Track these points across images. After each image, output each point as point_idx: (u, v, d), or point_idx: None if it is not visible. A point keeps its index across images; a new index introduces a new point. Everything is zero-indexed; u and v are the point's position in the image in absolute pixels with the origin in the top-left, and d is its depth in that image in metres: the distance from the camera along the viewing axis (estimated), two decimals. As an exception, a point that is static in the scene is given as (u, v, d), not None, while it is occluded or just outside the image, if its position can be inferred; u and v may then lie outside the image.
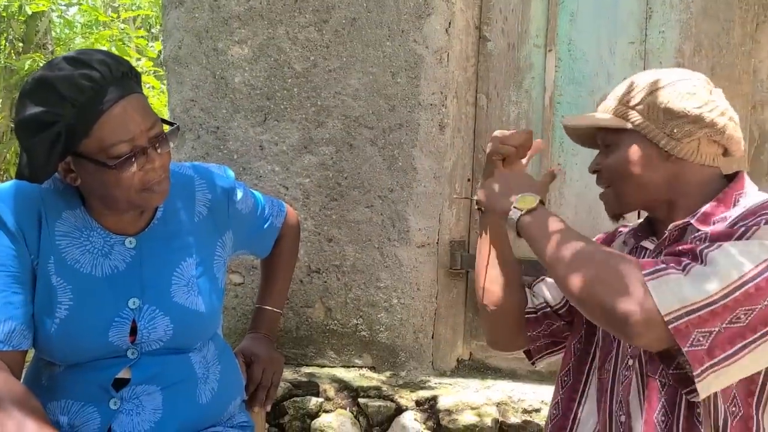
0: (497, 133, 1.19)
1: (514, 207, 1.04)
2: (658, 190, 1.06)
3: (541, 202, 1.05)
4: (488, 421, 1.61)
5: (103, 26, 4.85)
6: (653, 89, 1.04)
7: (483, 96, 1.91)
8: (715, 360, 0.85)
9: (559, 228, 0.98)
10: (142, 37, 4.16)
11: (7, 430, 1.00)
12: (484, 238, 1.26)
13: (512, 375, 1.88)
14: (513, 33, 1.89)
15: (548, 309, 1.22)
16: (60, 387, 1.16)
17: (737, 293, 0.85)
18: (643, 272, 0.88)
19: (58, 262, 1.15)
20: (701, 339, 0.85)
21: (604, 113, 1.10)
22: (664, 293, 0.85)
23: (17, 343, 1.10)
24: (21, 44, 4.03)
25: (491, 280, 1.24)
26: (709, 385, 0.86)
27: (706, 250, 0.89)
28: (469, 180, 1.93)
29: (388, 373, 1.83)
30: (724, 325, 0.85)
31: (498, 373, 1.90)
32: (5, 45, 3.86)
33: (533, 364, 1.27)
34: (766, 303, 0.84)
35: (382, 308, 1.85)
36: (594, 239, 1.23)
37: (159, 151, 1.11)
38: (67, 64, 1.07)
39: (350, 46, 1.84)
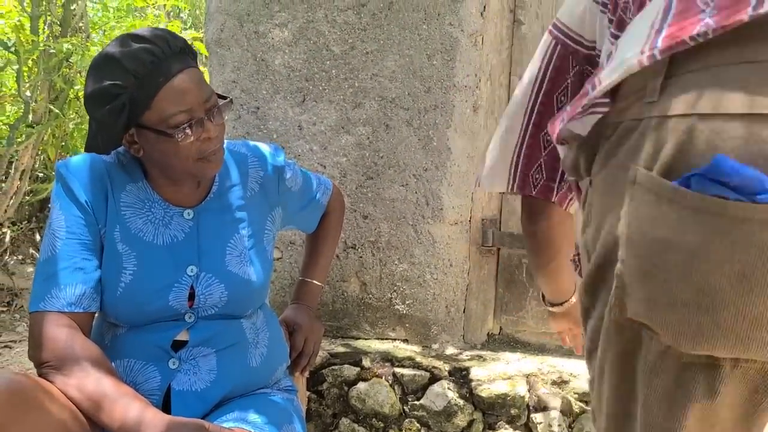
0: None
1: None
2: None
3: None
4: (519, 391, 1.67)
5: (136, 11, 4.94)
6: None
7: (516, 79, 1.96)
8: None
9: None
10: (178, 28, 4.24)
11: (86, 388, 1.09)
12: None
13: (541, 349, 1.94)
14: (547, 17, 1.93)
15: None
16: (122, 347, 1.25)
17: None
18: None
19: (124, 231, 1.24)
20: None
21: None
22: None
23: (87, 306, 1.19)
24: (59, 28, 4.12)
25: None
26: None
27: None
28: (501, 160, 1.99)
29: (420, 346, 1.90)
30: None
31: (527, 347, 1.96)
32: (44, 29, 3.94)
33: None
34: None
35: (415, 283, 1.92)
36: None
37: (214, 121, 1.19)
38: (131, 41, 1.15)
39: (387, 29, 1.90)
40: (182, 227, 1.28)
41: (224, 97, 1.24)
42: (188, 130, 1.15)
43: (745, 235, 0.67)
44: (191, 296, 1.26)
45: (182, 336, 1.26)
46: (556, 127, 0.91)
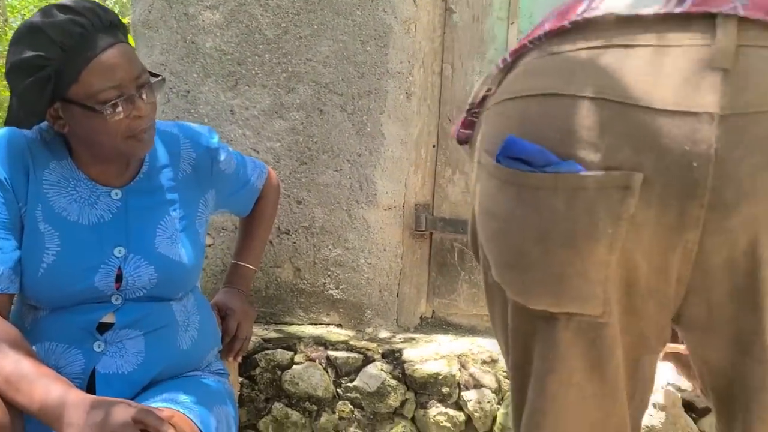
0: None
1: None
2: None
3: None
4: (450, 370, 1.71)
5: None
6: None
7: (448, 66, 1.99)
8: None
9: None
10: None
11: (3, 369, 1.04)
12: None
13: (472, 331, 1.98)
14: (477, 6, 1.97)
15: None
16: (44, 330, 1.20)
17: None
18: None
19: (46, 210, 1.19)
20: None
21: None
22: None
23: (5, 287, 1.14)
24: (-27, 8, 3.91)
25: None
26: None
27: None
28: (434, 146, 2.02)
29: (354, 330, 1.92)
30: None
31: (459, 329, 2.00)
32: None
33: None
34: None
35: (349, 268, 1.93)
36: None
37: (146, 99, 1.16)
38: (58, 11, 1.11)
39: (321, 14, 1.89)
40: (109, 207, 1.24)
41: (156, 75, 1.22)
42: (118, 107, 1.12)
43: (539, 201, 0.78)
44: (119, 278, 1.22)
45: (108, 318, 1.22)
46: (455, 133, 1.00)
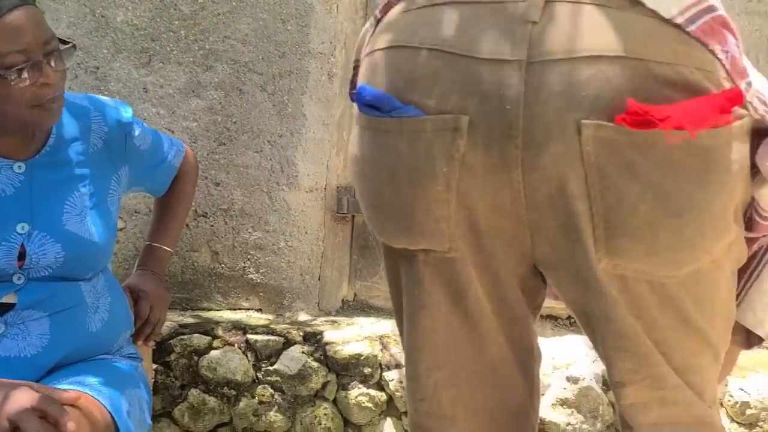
0: None
1: None
2: None
3: None
4: (372, 350, 1.72)
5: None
6: None
7: (370, 48, 1.99)
8: None
9: None
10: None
11: None
12: None
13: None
14: (399, -11, 1.98)
15: None
16: (-63, 312, 1.12)
17: None
18: None
19: (-62, 182, 1.10)
20: None
21: None
22: None
23: None
24: None
25: None
26: None
27: None
28: (355, 129, 2.01)
29: (274, 314, 1.89)
30: None
31: (381, 312, 2.01)
32: None
33: None
34: None
35: (269, 251, 1.90)
36: None
37: (54, 67, 1.10)
38: None
39: (240, -9, 1.85)
40: (11, 181, 1.17)
41: (66, 42, 1.15)
42: (23, 73, 1.06)
43: (388, 143, 0.85)
44: (21, 256, 1.15)
45: (9, 299, 1.15)
46: (349, 93, 1.04)
